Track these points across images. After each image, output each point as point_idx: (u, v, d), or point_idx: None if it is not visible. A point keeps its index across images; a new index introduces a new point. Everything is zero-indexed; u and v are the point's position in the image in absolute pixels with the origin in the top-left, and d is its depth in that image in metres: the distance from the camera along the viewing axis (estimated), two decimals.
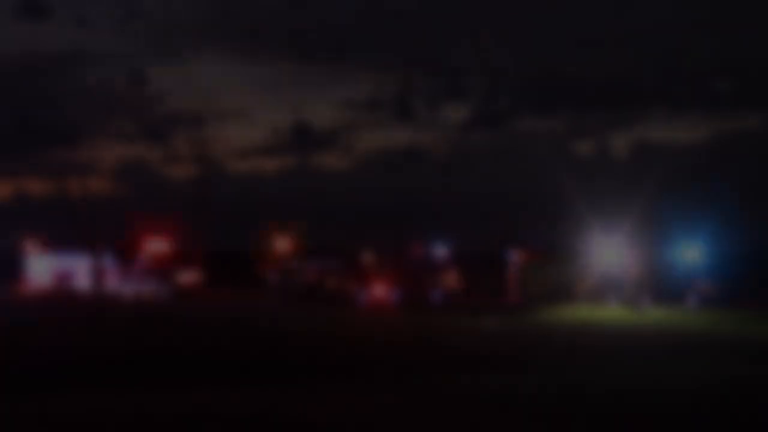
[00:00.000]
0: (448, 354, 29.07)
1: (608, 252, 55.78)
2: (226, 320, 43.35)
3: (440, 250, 58.72)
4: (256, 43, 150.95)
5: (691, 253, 56.73)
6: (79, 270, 64.81)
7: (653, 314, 47.69)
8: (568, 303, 53.77)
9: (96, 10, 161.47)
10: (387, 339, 34.31)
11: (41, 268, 65.29)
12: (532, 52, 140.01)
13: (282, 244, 67.83)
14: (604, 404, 18.17)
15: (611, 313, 49.35)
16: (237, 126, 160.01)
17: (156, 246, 65.57)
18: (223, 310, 50.63)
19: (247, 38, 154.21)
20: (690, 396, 19.47)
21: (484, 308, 48.02)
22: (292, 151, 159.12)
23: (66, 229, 72.18)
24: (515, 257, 59.26)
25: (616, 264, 55.48)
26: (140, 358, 27.11)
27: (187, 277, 65.90)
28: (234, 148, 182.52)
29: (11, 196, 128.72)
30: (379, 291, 57.10)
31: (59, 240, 68.30)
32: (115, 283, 63.13)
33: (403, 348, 30.29)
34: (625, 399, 18.97)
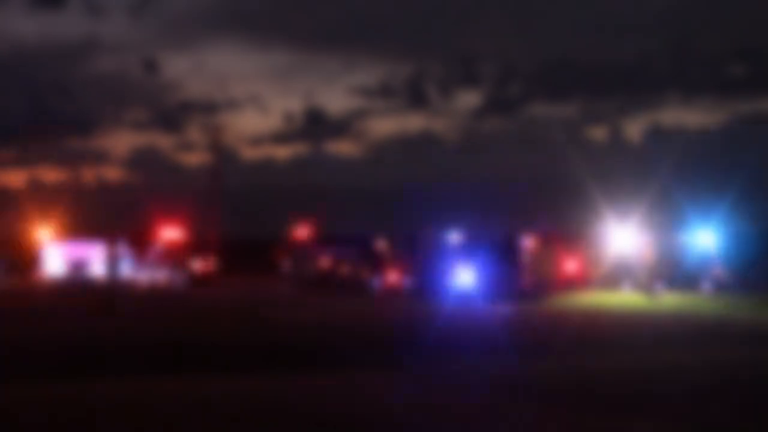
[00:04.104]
0: (464, 340, 29.08)
1: (622, 237, 55.63)
2: (238, 308, 43.49)
3: (453, 237, 58.60)
4: (268, 30, 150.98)
5: (705, 238, 56.53)
6: (94, 258, 65.04)
7: (667, 300, 47.59)
8: (582, 289, 53.69)
9: None
10: (402, 326, 34.33)
11: (55, 257, 65.58)
12: (544, 37, 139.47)
13: (295, 231, 67.93)
14: (618, 389, 18.17)
15: (625, 298, 49.29)
16: (250, 113, 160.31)
17: (170, 233, 65.75)
18: (237, 298, 50.82)
19: (259, 25, 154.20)
20: (705, 380, 19.45)
21: (497, 294, 47.99)
22: (305, 138, 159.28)
23: (80, 217, 72.46)
24: (528, 243, 59.14)
25: (629, 249, 55.33)
26: (152, 345, 27.22)
27: (202, 264, 66.10)
28: (247, 136, 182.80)
29: (25, 184, 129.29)
30: (393, 278, 57.10)
31: (73, 228, 68.58)
32: (130, 271, 63.39)
33: (418, 335, 30.33)
34: (640, 384, 18.97)
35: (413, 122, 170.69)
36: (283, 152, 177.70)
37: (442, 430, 14.45)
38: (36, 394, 17.70)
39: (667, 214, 58.22)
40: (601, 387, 18.58)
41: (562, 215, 64.69)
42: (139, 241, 65.18)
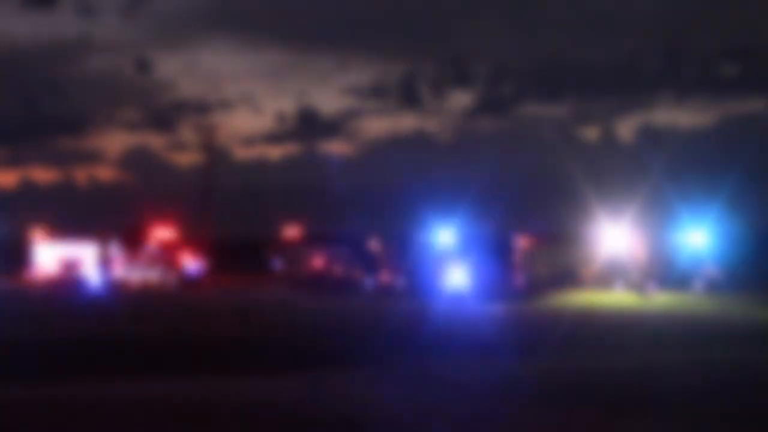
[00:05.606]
0: (458, 339, 29.08)
1: (614, 237, 55.66)
2: (231, 308, 43.42)
3: (445, 237, 58.61)
4: (261, 30, 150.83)
5: (697, 237, 56.58)
6: (86, 258, 64.92)
7: (659, 299, 47.63)
8: (574, 288, 53.70)
9: None
10: (395, 326, 34.32)
11: (47, 256, 65.44)
12: (537, 37, 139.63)
13: (288, 231, 67.83)
14: (612, 389, 18.17)
15: (617, 298, 49.32)
16: (243, 113, 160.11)
17: (162, 233, 65.65)
18: (229, 298, 50.73)
19: (252, 25, 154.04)
20: (698, 380, 19.47)
21: (489, 294, 48.01)
22: (298, 138, 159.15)
23: (72, 217, 72.35)
24: (521, 243, 59.16)
25: (622, 249, 55.36)
26: (144, 345, 27.16)
27: (194, 264, 65.96)
28: (240, 136, 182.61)
29: (18, 184, 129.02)
30: (386, 278, 57.04)
31: (65, 228, 68.46)
32: (122, 270, 63.24)
33: (410, 335, 30.32)
34: (633, 383, 18.98)
35: (406, 122, 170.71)
36: (275, 152, 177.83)
37: (436, 430, 14.42)
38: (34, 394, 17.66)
39: (660, 214, 58.29)
40: (595, 387, 18.57)
41: (555, 214, 64.75)
42: (131, 241, 65.08)
